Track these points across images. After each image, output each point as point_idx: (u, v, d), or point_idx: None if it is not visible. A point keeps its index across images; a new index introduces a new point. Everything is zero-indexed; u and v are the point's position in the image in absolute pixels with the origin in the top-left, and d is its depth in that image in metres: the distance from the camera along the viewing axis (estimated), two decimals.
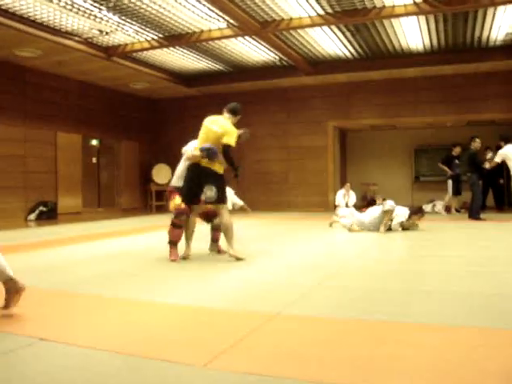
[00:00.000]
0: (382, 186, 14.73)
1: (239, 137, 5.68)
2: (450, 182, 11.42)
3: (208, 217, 5.58)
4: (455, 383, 1.91)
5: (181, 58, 11.41)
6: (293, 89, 13.52)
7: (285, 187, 13.72)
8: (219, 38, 9.68)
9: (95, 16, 8.51)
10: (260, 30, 9.08)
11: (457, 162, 11.36)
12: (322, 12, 8.52)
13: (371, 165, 15.22)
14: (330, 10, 8.47)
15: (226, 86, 13.37)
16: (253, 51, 10.99)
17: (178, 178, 5.35)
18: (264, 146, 13.92)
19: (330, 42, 10.39)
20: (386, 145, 15.11)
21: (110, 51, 10.36)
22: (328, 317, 2.87)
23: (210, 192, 5.02)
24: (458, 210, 11.80)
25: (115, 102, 13.73)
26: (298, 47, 10.73)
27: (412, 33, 9.74)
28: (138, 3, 7.99)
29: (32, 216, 10.87)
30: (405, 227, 7.58)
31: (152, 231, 8.20)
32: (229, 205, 11.94)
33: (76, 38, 9.57)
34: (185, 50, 10.86)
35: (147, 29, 9.28)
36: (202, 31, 9.46)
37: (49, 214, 11.11)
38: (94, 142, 14.53)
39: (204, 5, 8.09)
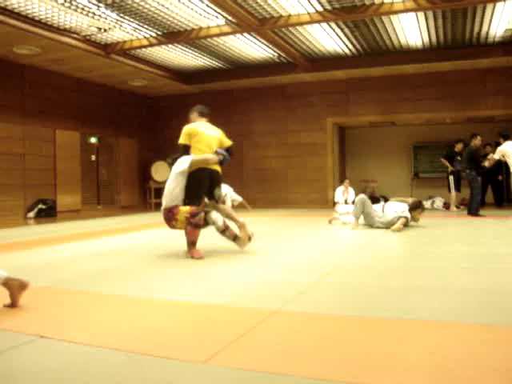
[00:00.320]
0: (381, 183, 14.74)
1: None
2: (451, 179, 11.38)
3: (196, 216, 5.37)
4: (455, 380, 1.91)
5: (179, 55, 11.39)
6: (292, 85, 13.52)
7: (284, 184, 13.73)
8: (218, 35, 9.67)
9: (94, 13, 8.50)
10: (258, 26, 9.07)
11: (459, 158, 11.36)
12: (320, 9, 8.52)
13: (370, 161, 15.22)
14: (328, 7, 8.46)
15: (224, 83, 13.37)
16: (251, 48, 10.98)
17: (174, 198, 5.11)
18: (263, 143, 13.93)
19: (329, 39, 10.38)
20: (385, 141, 15.11)
21: (109, 48, 10.35)
22: (328, 313, 2.87)
23: (219, 191, 5.41)
24: (457, 207, 11.81)
25: (114, 99, 13.71)
26: (297, 44, 10.72)
27: (411, 29, 9.74)
28: (137, 0, 7.97)
29: (31, 214, 10.87)
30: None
31: (151, 229, 8.20)
32: (229, 201, 12.04)
33: (74, 36, 9.56)
34: (183, 47, 10.86)
35: (146, 26, 9.26)
36: (200, 28, 9.45)
37: (48, 212, 11.11)
38: (93, 140, 14.48)
39: (202, 2, 8.08)
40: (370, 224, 7.61)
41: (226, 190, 11.98)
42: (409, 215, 7.36)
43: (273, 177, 13.83)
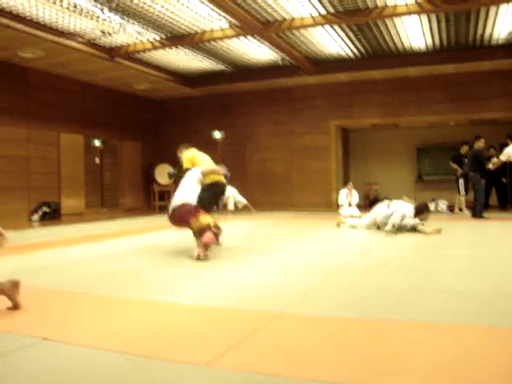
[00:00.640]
0: (385, 186, 14.71)
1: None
2: (461, 181, 11.23)
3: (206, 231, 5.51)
4: (459, 381, 1.91)
5: (183, 58, 11.42)
6: (295, 88, 13.53)
7: (288, 186, 13.73)
8: (221, 38, 9.69)
9: (98, 17, 8.53)
10: (262, 29, 9.09)
11: (466, 160, 11.30)
12: (324, 12, 8.52)
13: (374, 164, 15.20)
14: (332, 10, 8.47)
15: (228, 86, 13.39)
16: (255, 51, 10.99)
17: (193, 197, 5.51)
18: (267, 146, 13.93)
19: (333, 42, 10.38)
20: (389, 144, 15.08)
21: (113, 52, 10.39)
22: (331, 315, 2.87)
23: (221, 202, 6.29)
24: (460, 209, 11.79)
25: (118, 102, 13.75)
26: (301, 47, 10.73)
27: (414, 32, 9.73)
28: (141, 4, 8.00)
29: (35, 217, 10.90)
30: (413, 228, 7.31)
31: (155, 231, 8.21)
32: (232, 204, 12.10)
33: (79, 39, 9.59)
34: (187, 51, 10.88)
35: (150, 29, 9.29)
36: (204, 31, 9.47)
37: (52, 215, 11.14)
38: (97, 143, 14.52)
39: (206, 5, 8.10)
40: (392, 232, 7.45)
41: (230, 193, 12.02)
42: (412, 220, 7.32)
43: (276, 179, 13.83)
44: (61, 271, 4.54)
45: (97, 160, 14.73)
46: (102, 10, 8.20)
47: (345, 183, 12.60)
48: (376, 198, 13.78)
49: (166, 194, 13.67)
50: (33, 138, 11.11)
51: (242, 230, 9.06)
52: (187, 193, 5.53)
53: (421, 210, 7.45)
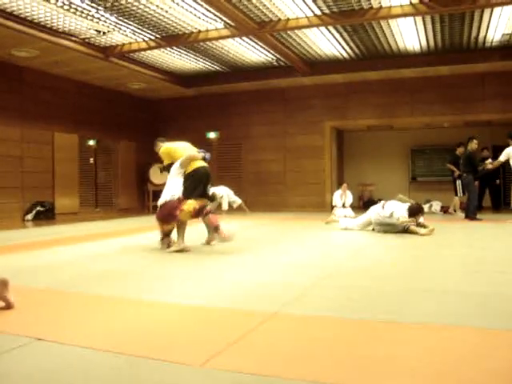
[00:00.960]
0: (379, 187, 14.75)
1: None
2: (458, 183, 11.16)
3: (199, 213, 5.68)
4: (454, 383, 1.92)
5: (178, 58, 11.41)
6: (290, 89, 13.55)
7: (282, 187, 13.74)
8: (216, 39, 9.69)
9: (93, 16, 8.51)
10: (257, 30, 9.10)
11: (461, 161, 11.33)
12: (319, 12, 8.54)
13: (368, 165, 15.24)
14: (327, 11, 8.49)
15: (223, 86, 13.40)
16: (250, 52, 11.00)
17: (176, 194, 5.67)
18: (261, 146, 13.94)
19: (327, 43, 10.41)
20: (383, 145, 15.13)
21: (108, 51, 10.37)
22: (326, 316, 2.88)
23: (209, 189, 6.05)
24: (454, 210, 11.83)
25: (112, 102, 13.72)
26: (296, 47, 10.75)
27: (409, 33, 9.77)
28: (136, 3, 7.99)
29: (29, 216, 10.86)
30: (408, 230, 7.28)
31: (149, 231, 8.19)
32: (226, 204, 12.09)
33: (73, 38, 9.57)
34: (182, 51, 10.87)
35: (144, 29, 9.28)
36: (199, 31, 9.47)
37: (46, 214, 11.10)
38: (91, 142, 14.51)
39: (201, 5, 8.10)
40: (384, 230, 7.49)
41: (224, 192, 12.02)
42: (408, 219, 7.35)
43: (271, 180, 13.84)
44: (55, 271, 4.53)
45: (91, 160, 14.72)
46: (96, 9, 8.18)
47: (339, 184, 12.62)
48: (370, 199, 13.82)
49: (160, 194, 13.63)
50: (27, 137, 11.07)
51: (236, 230, 9.05)
52: (170, 190, 5.68)
53: (415, 212, 7.48)
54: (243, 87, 13.56)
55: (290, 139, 13.67)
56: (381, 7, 8.30)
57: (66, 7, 8.06)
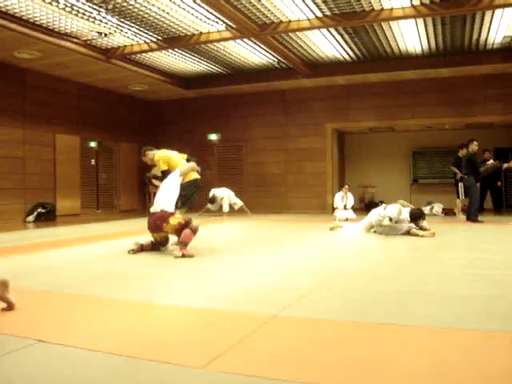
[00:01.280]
0: (381, 189, 14.75)
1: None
2: (461, 185, 11.09)
3: (184, 228, 5.57)
4: None
5: (179, 60, 11.43)
6: (291, 91, 13.55)
7: (283, 189, 13.74)
8: (218, 41, 9.70)
9: (94, 18, 8.53)
10: (258, 32, 9.10)
11: None
12: (320, 15, 8.54)
13: (369, 167, 15.24)
14: (328, 13, 8.49)
15: (224, 88, 13.40)
16: (251, 53, 11.01)
17: (171, 203, 5.76)
18: (263, 148, 13.94)
19: (329, 45, 10.41)
20: (385, 147, 15.13)
21: (109, 53, 10.38)
22: (326, 319, 2.88)
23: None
24: (454, 213, 11.83)
25: (114, 103, 13.74)
26: (297, 49, 10.76)
27: (410, 35, 9.77)
28: (137, 5, 8.00)
29: (30, 218, 10.87)
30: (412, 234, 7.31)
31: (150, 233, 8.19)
32: (226, 205, 12.10)
33: (75, 40, 9.59)
34: (184, 53, 10.89)
35: (146, 31, 9.30)
36: (200, 33, 9.48)
37: (47, 216, 11.11)
38: (93, 144, 14.54)
39: (203, 7, 8.11)
40: (385, 233, 7.47)
41: (224, 194, 12.05)
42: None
43: (272, 182, 13.84)
44: (56, 272, 4.53)
45: (92, 161, 14.74)
46: (98, 11, 8.20)
47: (340, 186, 12.63)
48: (371, 201, 13.82)
49: None
50: (29, 139, 11.09)
51: (236, 232, 9.06)
52: (166, 199, 5.74)
53: (416, 217, 7.51)
54: (244, 89, 13.57)
55: (291, 141, 13.67)
56: (382, 9, 8.31)
57: (68, 9, 8.08)
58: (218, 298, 3.41)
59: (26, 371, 2.10)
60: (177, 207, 5.88)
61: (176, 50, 10.53)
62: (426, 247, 6.18)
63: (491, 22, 8.90)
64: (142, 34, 9.49)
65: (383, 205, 7.82)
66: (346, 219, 10.50)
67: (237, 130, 14.12)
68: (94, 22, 8.74)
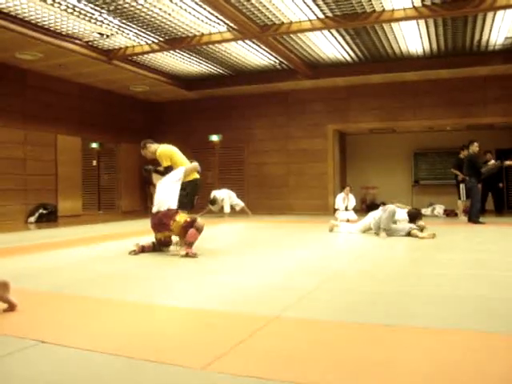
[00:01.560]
0: (382, 190, 14.75)
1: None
2: (462, 186, 11.07)
3: (190, 226, 5.61)
4: None
5: (181, 61, 11.44)
6: (293, 92, 13.56)
7: (285, 190, 13.74)
8: (219, 42, 9.71)
9: (96, 19, 8.54)
10: (260, 33, 9.11)
11: None
12: (321, 16, 8.55)
13: (371, 168, 15.24)
14: (329, 14, 8.50)
15: (225, 89, 13.42)
16: (253, 55, 11.02)
17: (173, 202, 5.75)
18: (264, 150, 13.95)
19: (330, 46, 10.42)
20: (386, 148, 15.13)
21: (111, 54, 10.40)
22: (327, 320, 2.88)
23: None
24: (456, 214, 11.82)
25: (115, 104, 13.75)
26: (298, 51, 10.76)
27: (411, 37, 9.77)
28: (139, 7, 8.02)
29: (32, 218, 10.88)
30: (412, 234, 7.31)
31: (151, 234, 8.19)
32: (227, 206, 12.11)
33: (77, 41, 9.61)
34: (185, 54, 10.90)
35: (148, 32, 9.31)
36: (202, 35, 9.49)
37: (49, 217, 11.13)
38: (94, 145, 14.55)
39: (204, 8, 8.12)
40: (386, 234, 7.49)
41: (225, 195, 12.05)
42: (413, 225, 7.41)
43: (273, 183, 13.84)
44: (57, 273, 4.53)
45: (94, 162, 14.76)
46: (100, 12, 8.21)
47: (342, 187, 12.63)
48: (373, 202, 13.82)
49: None
50: (30, 140, 11.11)
51: (238, 232, 9.06)
52: (169, 197, 5.73)
53: (414, 217, 7.55)
54: (246, 90, 13.58)
55: (293, 142, 13.67)
56: (383, 10, 8.31)
57: (69, 10, 8.10)
58: (219, 299, 3.41)
59: (27, 372, 2.10)
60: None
61: (177, 51, 10.55)
62: (426, 248, 6.18)
63: (492, 23, 8.90)
64: (143, 35, 9.50)
65: (380, 208, 7.84)
66: (348, 220, 10.49)
67: (238, 131, 14.12)
68: (95, 24, 8.76)
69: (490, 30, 9.33)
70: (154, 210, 5.80)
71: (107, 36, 9.43)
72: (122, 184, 14.02)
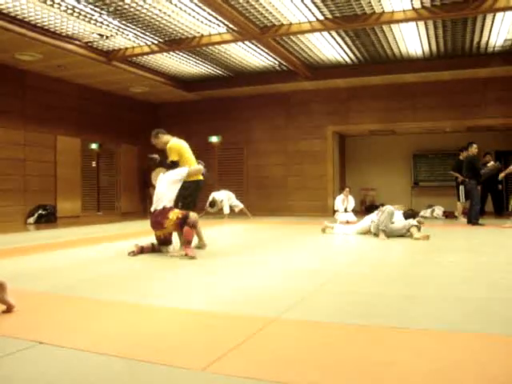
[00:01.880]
0: (381, 191, 14.75)
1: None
2: (461, 188, 11.05)
3: (183, 223, 5.69)
4: None
5: (181, 62, 11.44)
6: (292, 94, 13.56)
7: (284, 192, 13.74)
8: (219, 43, 9.71)
9: (96, 20, 8.54)
10: (260, 34, 9.11)
11: None
12: (321, 17, 8.56)
13: (370, 170, 15.24)
14: (329, 16, 8.51)
15: (225, 90, 13.42)
16: (252, 56, 11.02)
17: (170, 201, 5.75)
18: (263, 151, 13.95)
19: (330, 47, 10.42)
20: (385, 150, 15.13)
21: (110, 55, 10.40)
22: (327, 321, 2.87)
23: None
24: (455, 216, 11.82)
25: (115, 105, 13.75)
26: (298, 52, 10.77)
27: (411, 38, 9.78)
28: (139, 8, 8.02)
29: (31, 219, 10.87)
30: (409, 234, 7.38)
31: (150, 235, 8.19)
32: (227, 208, 12.11)
33: (76, 42, 9.60)
34: (185, 55, 10.90)
35: (147, 33, 9.31)
36: (201, 36, 9.50)
37: (48, 218, 11.11)
38: (94, 146, 14.54)
39: (204, 10, 8.12)
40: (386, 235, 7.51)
41: (224, 196, 12.06)
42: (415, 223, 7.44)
43: (273, 184, 13.84)
44: (56, 274, 4.53)
45: (93, 163, 14.74)
46: (99, 13, 8.21)
47: (341, 189, 12.63)
48: (372, 204, 13.82)
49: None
50: (29, 141, 11.09)
51: (237, 234, 9.06)
52: (166, 196, 5.72)
53: (409, 217, 7.59)
54: (245, 92, 13.58)
55: (292, 144, 13.68)
56: (383, 12, 8.31)
57: (69, 11, 8.09)
58: (218, 300, 3.40)
59: (26, 373, 2.09)
60: (176, 207, 5.84)
61: (177, 52, 10.55)
62: (425, 250, 6.18)
63: (492, 25, 8.91)
64: (143, 37, 9.50)
65: (378, 210, 7.86)
66: (347, 222, 10.49)
67: (237, 133, 14.12)
68: (95, 24, 8.76)
69: (490, 32, 9.34)
70: (152, 208, 5.82)
71: (107, 37, 9.43)
72: (122, 185, 14.01)
